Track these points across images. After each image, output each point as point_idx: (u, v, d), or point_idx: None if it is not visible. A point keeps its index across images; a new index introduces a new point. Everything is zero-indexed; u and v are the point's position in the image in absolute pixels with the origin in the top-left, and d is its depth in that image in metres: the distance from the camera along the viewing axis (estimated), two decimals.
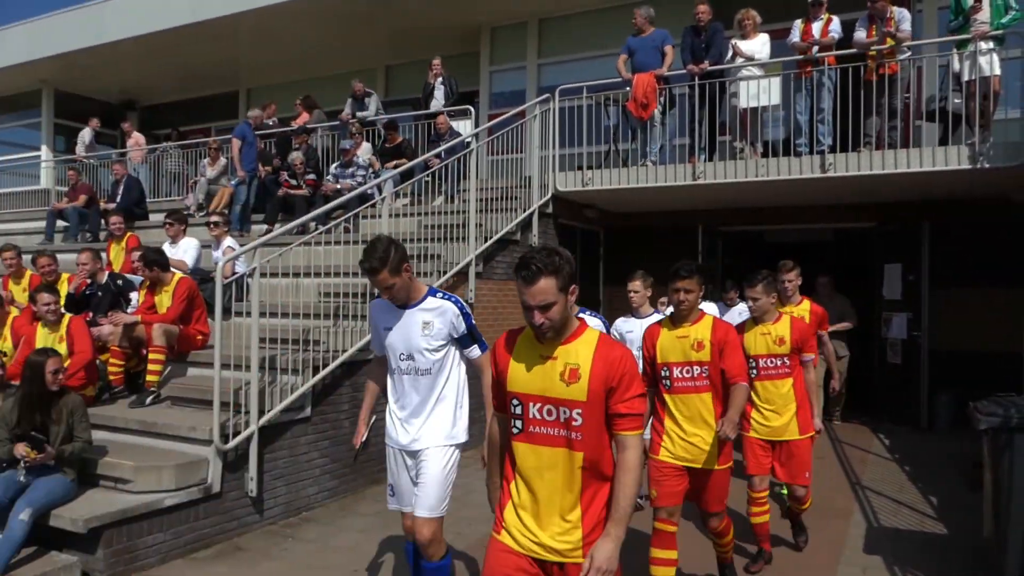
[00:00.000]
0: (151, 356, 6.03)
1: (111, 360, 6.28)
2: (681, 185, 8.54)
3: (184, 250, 7.70)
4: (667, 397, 3.96)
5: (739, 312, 6.91)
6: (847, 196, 9.14)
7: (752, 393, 4.58)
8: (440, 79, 10.77)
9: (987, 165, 7.22)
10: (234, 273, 7.26)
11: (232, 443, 5.19)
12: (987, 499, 4.50)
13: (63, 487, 4.60)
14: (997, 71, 7.32)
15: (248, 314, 5.61)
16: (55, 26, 14.52)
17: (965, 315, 8.89)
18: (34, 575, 4.25)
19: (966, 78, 7.38)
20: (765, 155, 8.29)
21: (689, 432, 3.87)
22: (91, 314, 6.73)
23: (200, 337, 6.49)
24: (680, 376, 3.90)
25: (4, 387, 5.69)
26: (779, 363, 4.62)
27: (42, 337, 5.83)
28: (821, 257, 10.86)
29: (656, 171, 8.64)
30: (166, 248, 7.31)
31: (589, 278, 10.62)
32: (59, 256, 7.68)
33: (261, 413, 5.37)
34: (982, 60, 7.25)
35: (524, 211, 8.71)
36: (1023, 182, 7.59)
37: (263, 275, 5.75)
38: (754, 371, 4.59)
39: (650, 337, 4.06)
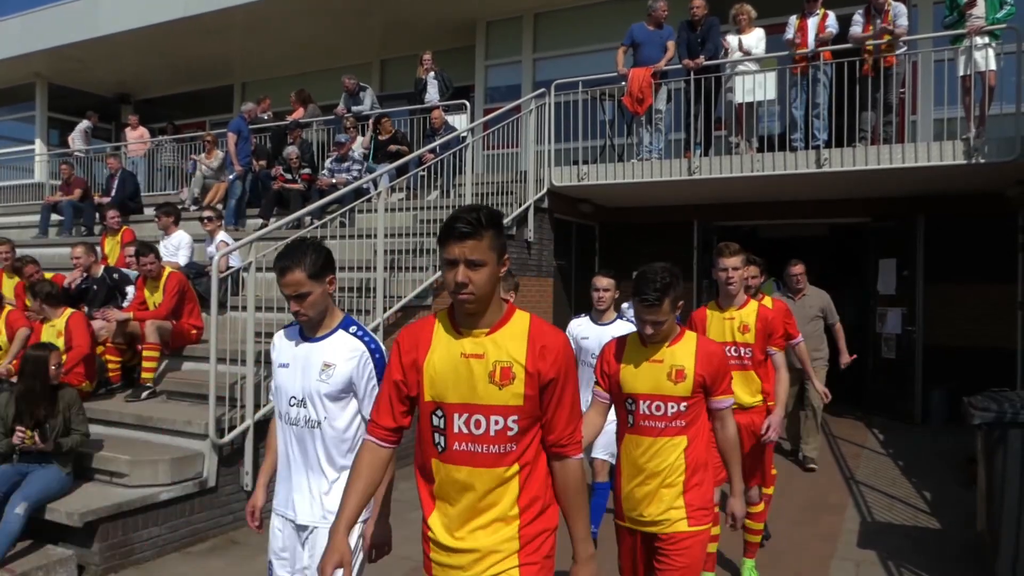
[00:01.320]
0: (145, 353, 6.02)
1: (107, 357, 6.29)
2: (677, 180, 8.54)
3: (176, 245, 7.68)
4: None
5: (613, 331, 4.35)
6: (842, 191, 9.15)
7: (623, 453, 2.94)
8: (432, 74, 10.72)
9: (982, 160, 7.24)
10: (229, 267, 7.26)
11: (228, 437, 5.20)
12: (980, 494, 4.52)
13: (59, 481, 4.59)
14: (992, 66, 7.34)
15: (244, 308, 5.62)
16: (49, 19, 14.46)
17: (959, 310, 8.92)
18: (30, 568, 4.25)
19: (961, 73, 7.40)
20: (760, 150, 8.30)
21: None
22: (86, 308, 6.72)
23: (194, 331, 6.48)
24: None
25: None
26: (672, 411, 2.80)
27: (41, 331, 5.83)
28: (816, 252, 10.88)
29: (652, 166, 8.64)
30: (160, 243, 7.29)
31: (585, 273, 10.61)
32: (54, 250, 7.66)
33: (257, 407, 5.37)
34: (977, 55, 7.27)
35: (520, 206, 8.69)
36: (1018, 177, 7.62)
37: (259, 269, 5.75)
38: (630, 419, 2.88)
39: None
